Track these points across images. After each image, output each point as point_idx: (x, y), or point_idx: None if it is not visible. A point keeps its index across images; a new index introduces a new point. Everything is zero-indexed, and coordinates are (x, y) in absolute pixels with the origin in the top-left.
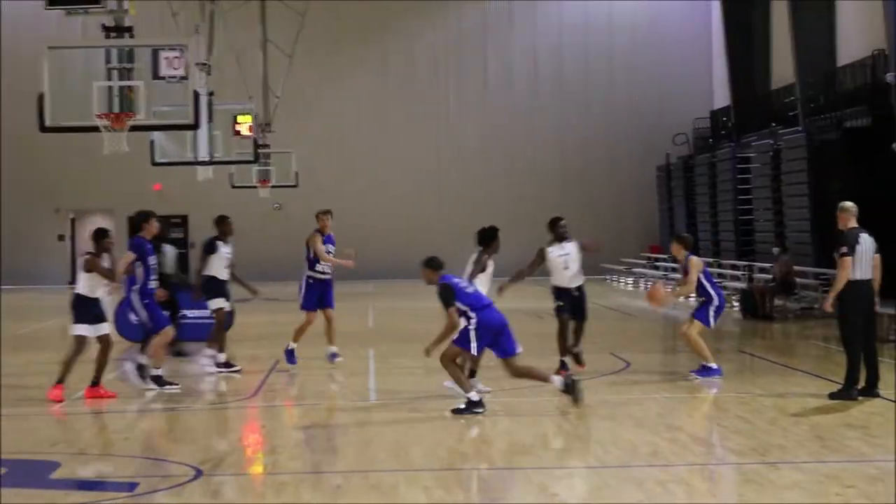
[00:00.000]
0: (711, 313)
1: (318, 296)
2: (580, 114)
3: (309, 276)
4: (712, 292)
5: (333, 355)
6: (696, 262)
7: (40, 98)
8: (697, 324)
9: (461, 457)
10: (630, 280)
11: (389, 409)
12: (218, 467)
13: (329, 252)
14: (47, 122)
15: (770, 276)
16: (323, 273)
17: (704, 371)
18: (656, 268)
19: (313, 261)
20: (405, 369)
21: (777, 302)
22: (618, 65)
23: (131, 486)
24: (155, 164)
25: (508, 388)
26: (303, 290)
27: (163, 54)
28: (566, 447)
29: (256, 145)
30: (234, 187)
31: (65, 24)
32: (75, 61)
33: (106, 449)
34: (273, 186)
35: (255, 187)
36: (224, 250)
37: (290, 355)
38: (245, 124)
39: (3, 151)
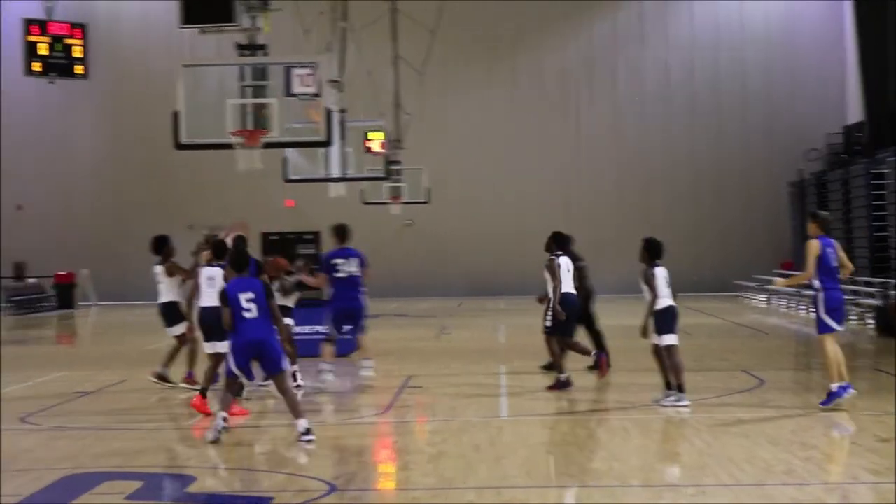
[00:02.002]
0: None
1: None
2: (712, 130)
3: None
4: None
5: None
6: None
7: (175, 116)
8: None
9: (592, 474)
10: (762, 297)
11: (521, 425)
12: (351, 482)
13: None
14: (182, 140)
15: None
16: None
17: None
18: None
19: None
20: (537, 386)
21: None
22: (750, 80)
23: (265, 501)
24: (288, 180)
25: (641, 405)
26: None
27: (295, 72)
28: (699, 464)
29: (388, 162)
30: (365, 203)
31: (199, 43)
32: (209, 79)
33: (240, 463)
34: (404, 203)
35: (386, 203)
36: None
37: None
38: (376, 141)
39: (141, 170)
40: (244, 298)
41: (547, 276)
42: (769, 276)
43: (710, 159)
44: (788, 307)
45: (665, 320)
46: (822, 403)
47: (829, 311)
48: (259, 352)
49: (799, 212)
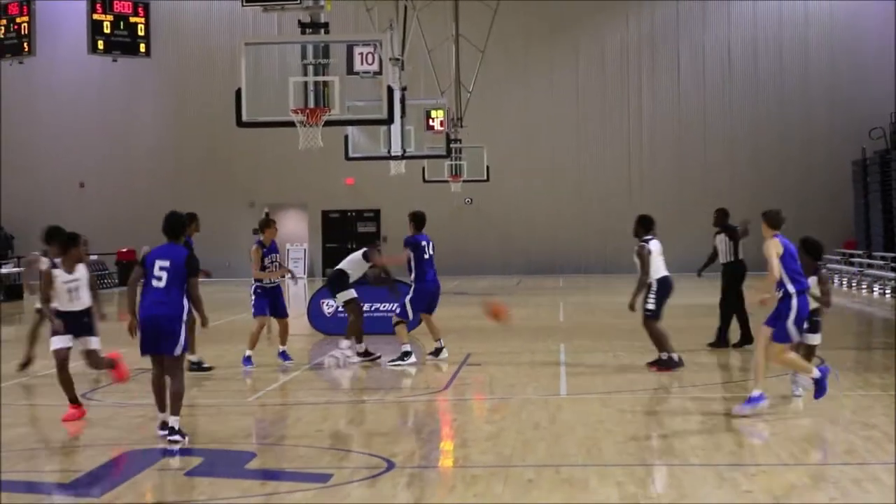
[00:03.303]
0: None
1: (268, 303)
2: (775, 108)
3: (257, 287)
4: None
5: (283, 354)
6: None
7: (238, 93)
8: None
9: (653, 452)
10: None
11: (580, 403)
12: (409, 460)
13: (273, 261)
14: (245, 118)
15: None
16: (271, 282)
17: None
18: (851, 264)
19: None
20: (596, 364)
21: None
22: (813, 58)
23: (325, 478)
24: (349, 158)
25: (700, 384)
26: (253, 299)
27: (357, 50)
28: (760, 444)
29: (448, 140)
30: (425, 181)
31: (260, 21)
32: (272, 57)
33: (299, 440)
34: (464, 181)
35: (446, 182)
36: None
37: (246, 361)
38: (437, 119)
39: (203, 147)
40: (158, 265)
41: (637, 261)
42: (831, 256)
43: (771, 139)
44: (850, 286)
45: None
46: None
47: (799, 321)
48: (154, 328)
49: (862, 191)
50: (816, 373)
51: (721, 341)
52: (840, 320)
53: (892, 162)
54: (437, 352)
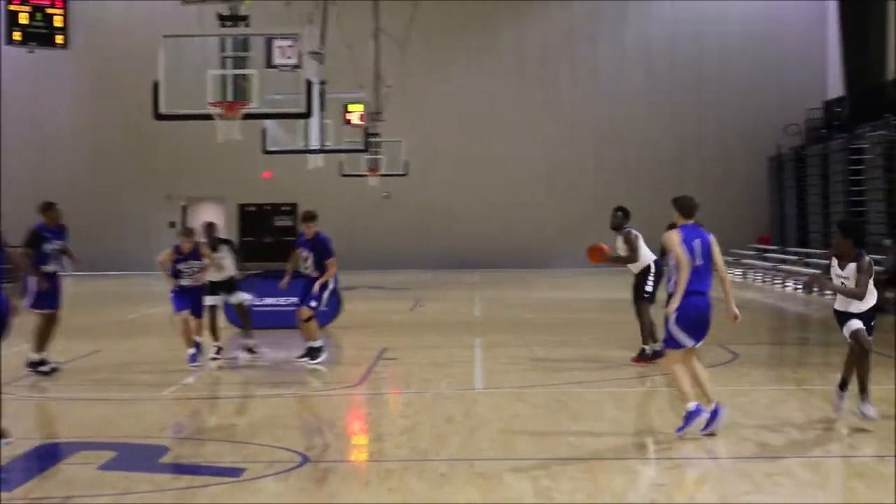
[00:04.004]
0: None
1: (189, 300)
2: (693, 105)
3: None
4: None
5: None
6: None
7: (155, 86)
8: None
9: (567, 446)
10: (739, 271)
11: (495, 398)
12: (324, 454)
13: (191, 267)
14: (162, 110)
15: (882, 269)
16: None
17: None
18: (765, 259)
19: None
20: (511, 359)
21: (889, 294)
22: (730, 55)
23: (238, 472)
24: (266, 152)
25: (614, 378)
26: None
27: (276, 43)
28: (674, 438)
29: (366, 134)
30: (343, 176)
31: (180, 13)
32: (191, 50)
33: (213, 434)
34: (382, 175)
35: (364, 176)
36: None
37: (192, 358)
38: (356, 113)
39: (118, 140)
40: None
41: (624, 246)
42: (746, 251)
43: (689, 135)
44: (764, 281)
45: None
46: (679, 430)
47: (681, 322)
48: None
49: (777, 187)
50: (692, 405)
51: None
52: (754, 315)
53: (806, 158)
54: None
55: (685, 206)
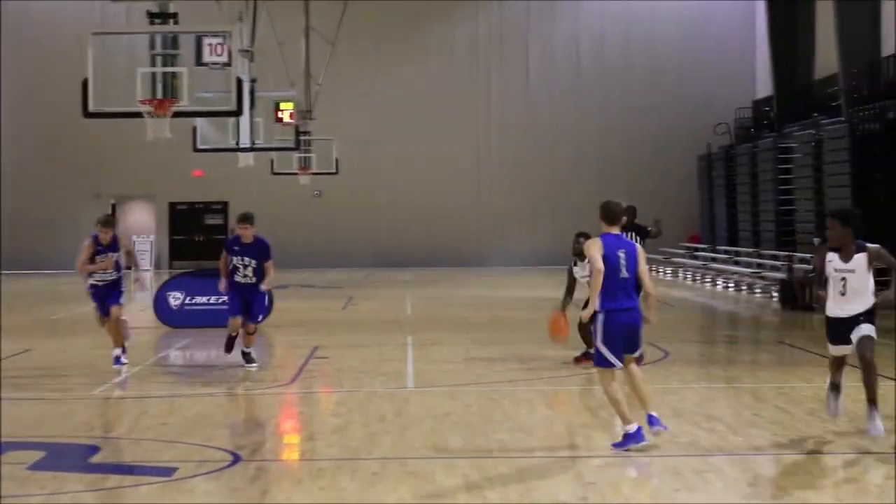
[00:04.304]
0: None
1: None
2: (623, 104)
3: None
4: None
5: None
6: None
7: (84, 84)
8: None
9: (497, 444)
10: (669, 270)
11: (427, 396)
12: (256, 453)
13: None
14: (91, 108)
15: (810, 267)
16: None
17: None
18: (696, 258)
19: None
20: (443, 357)
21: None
22: (661, 54)
23: (170, 471)
24: (197, 150)
25: (546, 376)
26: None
27: (206, 41)
28: (605, 436)
29: (297, 132)
30: (274, 174)
31: (109, 11)
32: (119, 47)
33: (144, 434)
34: (313, 173)
35: (295, 174)
36: None
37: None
38: (287, 111)
39: (47, 137)
40: None
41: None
42: (676, 250)
43: (619, 135)
44: (695, 280)
45: None
46: (615, 445)
47: (608, 342)
48: None
49: (707, 186)
50: (631, 428)
51: None
52: (684, 314)
53: (736, 157)
54: None
55: (608, 213)
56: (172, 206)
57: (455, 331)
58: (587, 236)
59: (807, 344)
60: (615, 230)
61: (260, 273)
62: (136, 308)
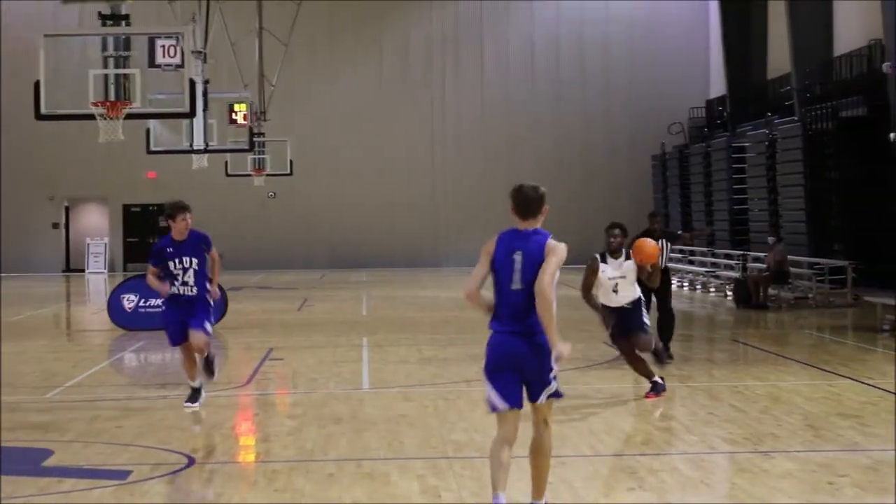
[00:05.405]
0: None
1: None
2: (576, 103)
3: None
4: None
5: None
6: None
7: (36, 86)
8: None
9: (453, 445)
10: None
11: (382, 397)
12: (210, 455)
13: None
14: (43, 110)
15: (764, 266)
16: None
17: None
18: None
19: None
20: (399, 358)
21: (771, 291)
22: (614, 54)
23: (124, 474)
24: (150, 152)
25: None
26: None
27: (159, 42)
28: (559, 435)
29: (251, 134)
30: (228, 175)
31: (61, 12)
32: (72, 49)
33: (98, 437)
34: (268, 175)
35: (249, 175)
36: None
37: None
38: (241, 113)
39: None
40: None
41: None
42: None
43: (575, 133)
44: None
45: None
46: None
47: (486, 372)
48: None
49: (661, 185)
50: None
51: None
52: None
53: (690, 156)
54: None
55: (518, 202)
56: (126, 208)
57: (410, 331)
58: (623, 229)
59: (761, 342)
60: (527, 225)
61: (202, 277)
62: (91, 309)
